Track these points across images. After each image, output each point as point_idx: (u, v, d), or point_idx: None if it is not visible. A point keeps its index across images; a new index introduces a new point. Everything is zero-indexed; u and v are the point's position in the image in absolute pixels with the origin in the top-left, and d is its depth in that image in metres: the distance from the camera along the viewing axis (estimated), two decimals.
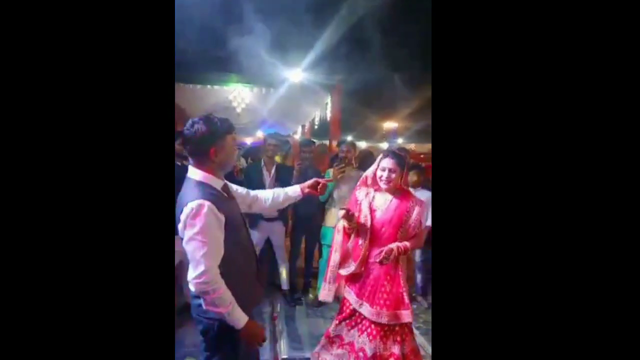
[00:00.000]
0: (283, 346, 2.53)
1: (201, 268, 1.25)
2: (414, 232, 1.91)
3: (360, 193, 2.01)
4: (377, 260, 1.80)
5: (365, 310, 1.90)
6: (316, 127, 6.68)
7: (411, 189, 2.21)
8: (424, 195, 3.03)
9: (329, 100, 5.95)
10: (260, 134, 7.24)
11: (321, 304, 3.14)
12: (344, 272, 1.97)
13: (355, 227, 1.95)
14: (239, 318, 1.35)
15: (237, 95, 5.51)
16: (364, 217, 1.93)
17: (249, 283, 1.52)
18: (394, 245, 1.83)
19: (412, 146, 9.99)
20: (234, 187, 1.63)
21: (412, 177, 3.03)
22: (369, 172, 2.00)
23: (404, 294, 1.89)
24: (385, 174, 1.90)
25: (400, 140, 10.87)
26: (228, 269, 1.33)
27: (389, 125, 10.13)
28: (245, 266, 1.46)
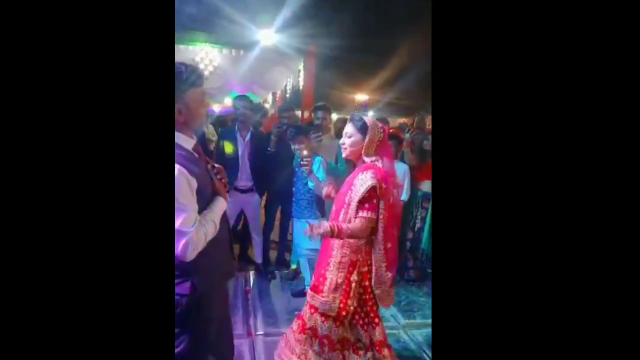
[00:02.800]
0: (257, 321, 2.44)
1: (183, 238, 1.12)
2: (353, 217, 1.64)
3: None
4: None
5: (308, 291, 1.80)
6: (288, 95, 6.44)
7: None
8: (400, 168, 2.96)
9: (301, 66, 5.71)
10: (228, 101, 6.88)
11: (295, 277, 3.06)
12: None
13: None
14: (219, 207, 1.30)
15: (204, 56, 5.15)
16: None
17: (222, 256, 1.40)
18: (328, 223, 1.62)
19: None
20: None
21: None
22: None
23: (325, 281, 1.68)
24: (342, 139, 1.73)
25: (371, 113, 10.76)
26: None
27: (360, 97, 9.98)
28: (217, 238, 1.32)
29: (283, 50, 5.33)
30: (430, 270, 3.24)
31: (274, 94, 7.21)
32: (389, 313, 2.56)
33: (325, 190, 1.90)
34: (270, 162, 2.94)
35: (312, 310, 1.77)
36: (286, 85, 6.25)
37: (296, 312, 2.45)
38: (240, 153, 2.88)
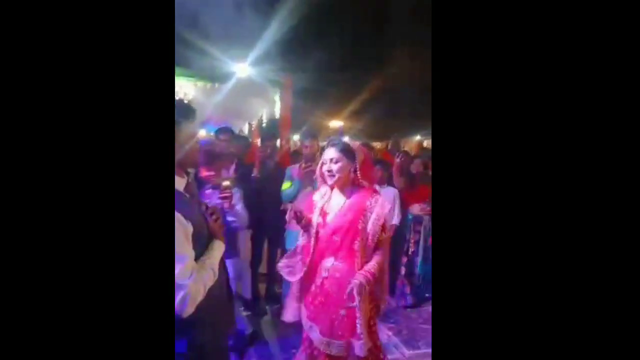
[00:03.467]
0: None
1: (180, 292, 1.02)
2: (374, 242, 1.57)
3: (317, 195, 1.74)
4: (351, 304, 1.49)
5: (314, 335, 1.60)
6: (264, 125, 6.40)
7: (376, 187, 1.87)
8: (389, 193, 2.94)
9: (277, 97, 5.72)
10: (203, 133, 6.74)
11: None
12: (291, 278, 1.71)
13: (307, 227, 1.71)
14: (218, 252, 1.21)
15: (178, 90, 5.06)
16: (315, 222, 1.67)
17: (221, 304, 1.29)
18: (359, 280, 1.49)
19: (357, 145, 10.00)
20: None
21: (376, 173, 2.91)
22: (318, 168, 1.70)
23: (357, 321, 1.51)
24: (326, 166, 1.61)
25: (346, 139, 10.87)
26: None
27: (335, 123, 10.13)
28: (215, 284, 1.20)
29: (258, 82, 5.33)
30: (428, 295, 3.17)
31: (249, 124, 7.17)
32: (391, 344, 2.45)
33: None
34: (255, 190, 2.85)
35: None
36: (262, 115, 6.22)
37: (293, 351, 2.32)
38: None
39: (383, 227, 1.58)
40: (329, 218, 1.64)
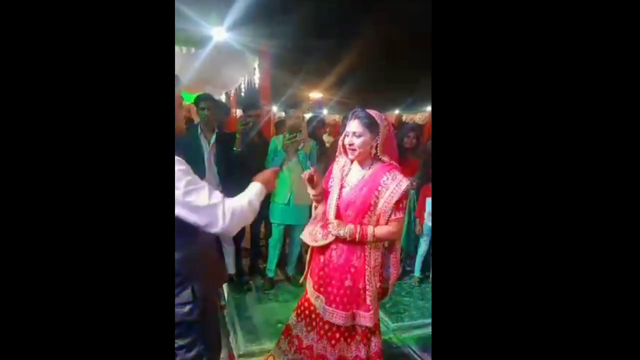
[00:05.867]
0: (238, 340, 2.23)
1: (218, 209, 1.10)
2: (384, 221, 1.53)
3: (337, 166, 1.68)
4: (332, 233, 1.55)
5: (319, 305, 1.61)
6: (243, 94, 6.16)
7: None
8: None
9: (256, 64, 5.48)
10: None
11: (273, 286, 2.87)
12: (313, 242, 1.67)
13: (321, 196, 1.67)
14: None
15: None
16: (335, 194, 1.61)
17: (214, 259, 1.39)
18: (351, 226, 1.51)
19: (336, 117, 9.89)
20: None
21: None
22: (340, 140, 1.65)
23: (367, 292, 1.55)
24: (348, 139, 1.54)
25: (325, 112, 10.69)
26: (191, 248, 1.14)
27: (315, 95, 9.88)
28: (207, 240, 1.26)
29: (237, 48, 5.06)
30: (409, 268, 3.20)
31: (227, 94, 6.89)
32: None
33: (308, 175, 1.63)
34: (237, 163, 2.73)
35: (309, 328, 1.64)
36: (241, 84, 5.97)
37: (279, 325, 2.29)
38: (205, 157, 2.64)
39: (397, 206, 1.51)
40: (345, 191, 1.60)
